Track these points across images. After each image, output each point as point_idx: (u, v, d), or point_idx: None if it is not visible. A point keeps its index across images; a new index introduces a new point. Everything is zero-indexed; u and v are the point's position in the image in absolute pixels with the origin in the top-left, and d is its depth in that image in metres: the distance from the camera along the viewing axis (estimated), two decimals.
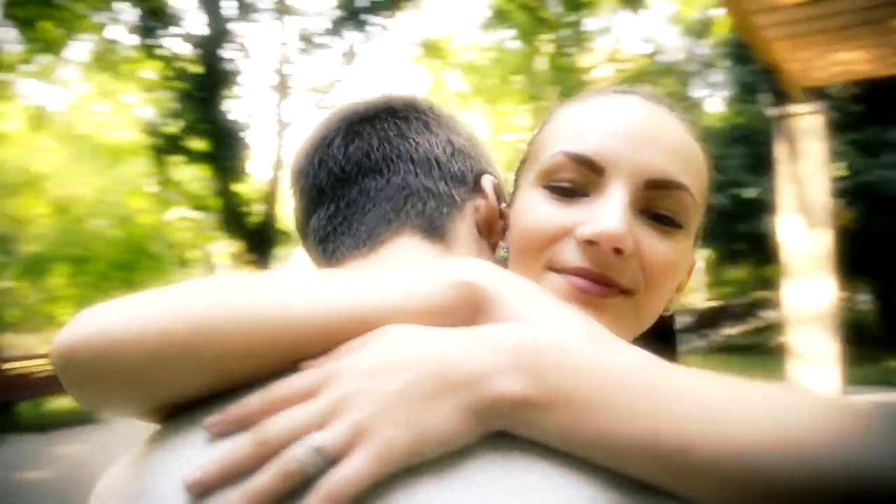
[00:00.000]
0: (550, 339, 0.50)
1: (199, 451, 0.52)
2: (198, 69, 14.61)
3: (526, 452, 0.49)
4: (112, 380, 0.54)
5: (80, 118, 19.56)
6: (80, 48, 18.85)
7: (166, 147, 14.70)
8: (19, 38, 15.29)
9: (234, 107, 15.71)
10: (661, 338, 0.78)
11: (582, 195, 0.69)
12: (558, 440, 0.48)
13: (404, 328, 0.53)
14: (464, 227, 0.74)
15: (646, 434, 0.46)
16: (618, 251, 0.65)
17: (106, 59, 15.74)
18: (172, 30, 14.36)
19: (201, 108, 14.56)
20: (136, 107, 17.12)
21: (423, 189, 0.73)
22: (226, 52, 14.69)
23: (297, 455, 0.47)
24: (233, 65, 14.99)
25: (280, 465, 0.47)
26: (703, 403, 0.47)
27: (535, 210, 0.70)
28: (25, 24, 14.28)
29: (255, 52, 16.92)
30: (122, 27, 14.46)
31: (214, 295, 0.54)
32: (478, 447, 0.49)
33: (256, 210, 15.78)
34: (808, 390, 0.51)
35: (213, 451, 0.51)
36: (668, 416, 0.47)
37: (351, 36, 15.39)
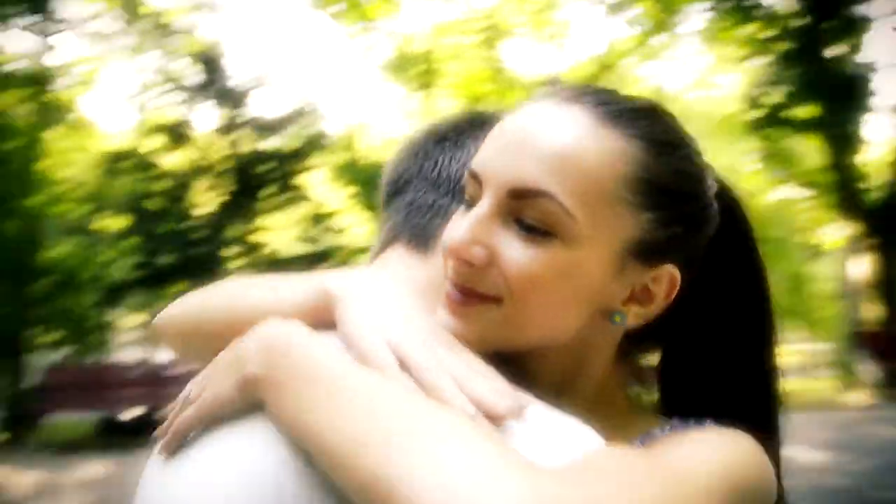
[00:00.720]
0: (288, 336, 0.65)
1: None
2: (802, 22, 12.46)
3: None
4: (174, 345, 0.87)
5: (693, 94, 19.11)
6: (691, 23, 18.31)
7: (768, 118, 13.07)
8: (634, 23, 15.64)
9: (850, 60, 12.89)
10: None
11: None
12: (270, 416, 0.62)
13: (268, 323, 0.68)
14: None
15: (303, 419, 0.58)
16: (465, 261, 0.68)
17: (712, 29, 14.82)
18: None
19: (808, 68, 12.35)
20: (740, 77, 15.66)
21: (424, 205, 0.80)
22: None
23: (181, 399, 0.71)
24: (852, 7, 12.34)
25: (178, 404, 0.71)
26: (357, 411, 0.56)
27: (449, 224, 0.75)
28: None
29: None
30: None
31: (210, 295, 0.82)
32: (259, 413, 0.63)
33: (877, 184, 12.86)
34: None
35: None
36: (324, 411, 0.57)
37: None
